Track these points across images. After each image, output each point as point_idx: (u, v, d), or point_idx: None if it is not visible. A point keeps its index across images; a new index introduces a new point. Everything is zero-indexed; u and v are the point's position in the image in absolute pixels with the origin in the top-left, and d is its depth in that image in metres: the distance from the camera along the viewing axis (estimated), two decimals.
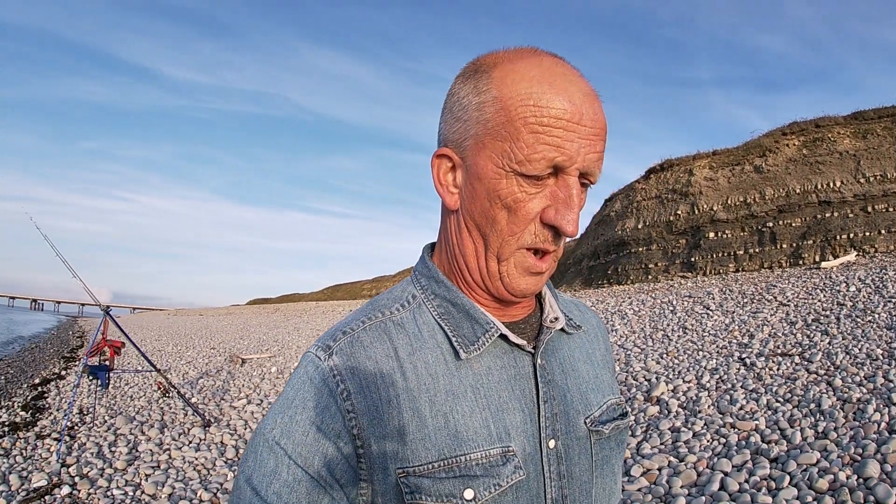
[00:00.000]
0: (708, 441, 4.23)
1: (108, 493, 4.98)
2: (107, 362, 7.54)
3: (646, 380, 6.27)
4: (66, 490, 5.05)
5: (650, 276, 20.48)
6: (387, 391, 0.72)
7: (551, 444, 0.77)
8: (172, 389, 8.50)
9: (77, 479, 5.34)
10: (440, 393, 0.73)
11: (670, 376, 6.23)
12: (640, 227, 22.46)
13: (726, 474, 3.59)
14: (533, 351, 0.79)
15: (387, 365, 0.73)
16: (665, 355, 7.34)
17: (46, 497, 4.94)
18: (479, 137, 0.73)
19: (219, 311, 52.39)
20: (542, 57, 0.74)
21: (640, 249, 21.96)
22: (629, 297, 13.84)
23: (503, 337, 0.77)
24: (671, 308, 10.87)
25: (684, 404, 5.21)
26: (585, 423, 0.81)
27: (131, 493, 4.97)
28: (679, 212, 20.82)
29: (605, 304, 13.08)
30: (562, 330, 0.86)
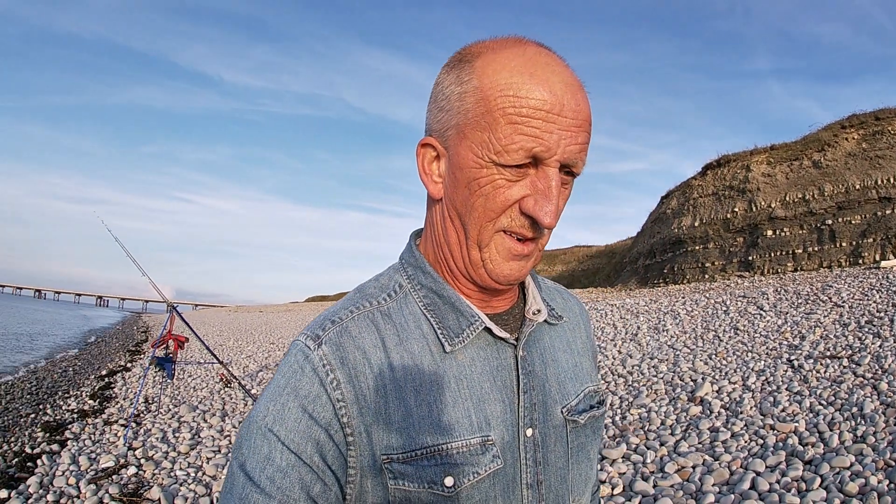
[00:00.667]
0: (746, 441, 4.25)
1: (172, 474, 5.30)
2: (171, 355, 7.95)
3: (692, 380, 6.25)
4: (132, 470, 5.41)
5: (707, 276, 20.01)
6: (374, 381, 0.74)
7: (528, 432, 0.80)
8: (234, 380, 8.91)
9: (143, 460, 5.70)
10: (425, 383, 0.75)
11: (716, 377, 6.20)
12: (696, 224, 21.96)
13: (758, 474, 3.62)
14: (515, 343, 0.82)
15: (374, 355, 0.75)
16: (714, 356, 7.27)
17: (114, 476, 5.30)
18: (460, 128, 0.74)
19: (278, 307, 53.51)
20: (526, 46, 0.74)
21: (697, 248, 21.48)
22: (683, 297, 13.62)
23: (487, 329, 0.79)
24: (724, 308, 10.68)
25: (727, 405, 5.21)
26: (562, 412, 0.84)
27: (193, 474, 5.27)
28: (736, 209, 20.30)
29: (658, 303, 12.90)
30: (544, 321, 0.88)
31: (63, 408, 9.52)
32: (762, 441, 4.19)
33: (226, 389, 9.40)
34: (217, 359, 8.03)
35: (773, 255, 18.37)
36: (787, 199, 18.92)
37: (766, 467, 3.73)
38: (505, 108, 0.70)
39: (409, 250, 0.86)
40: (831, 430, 4.14)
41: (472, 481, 0.74)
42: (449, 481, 0.73)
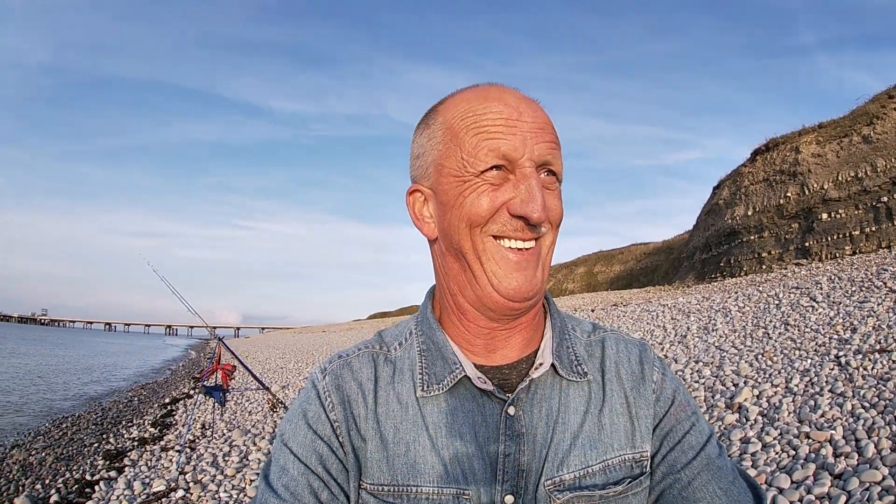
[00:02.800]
0: (776, 453, 4.08)
1: (216, 496, 5.50)
2: (221, 383, 8.19)
3: (733, 384, 6.06)
4: (180, 493, 5.64)
5: (764, 266, 19.31)
6: (363, 410, 0.81)
7: (508, 499, 0.76)
8: (280, 405, 9.17)
9: (191, 484, 5.93)
10: (406, 423, 0.79)
11: (759, 380, 5.99)
12: (749, 213, 21.24)
13: (781, 491, 3.46)
14: (506, 398, 0.79)
15: (367, 388, 0.83)
16: (761, 356, 7.02)
17: (163, 500, 5.54)
18: (436, 163, 0.79)
19: (341, 326, 54.29)
20: (479, 85, 0.81)
21: (752, 238, 20.77)
22: (736, 293, 13.18)
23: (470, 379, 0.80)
24: (776, 302, 10.29)
25: (765, 411, 5.02)
26: (545, 484, 0.78)
27: (236, 496, 5.45)
28: (789, 194, 19.53)
29: (710, 301, 12.53)
30: (561, 376, 0.83)
31: (125, 436, 10.00)
32: (794, 452, 4.01)
33: (275, 413, 9.63)
34: (262, 384, 8.28)
35: (829, 239, 17.55)
36: (840, 178, 18.05)
37: (792, 483, 3.56)
38: (468, 126, 0.76)
39: (423, 302, 0.91)
40: (869, 438, 3.92)
41: None
42: None
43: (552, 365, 0.82)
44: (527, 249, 0.76)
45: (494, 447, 0.77)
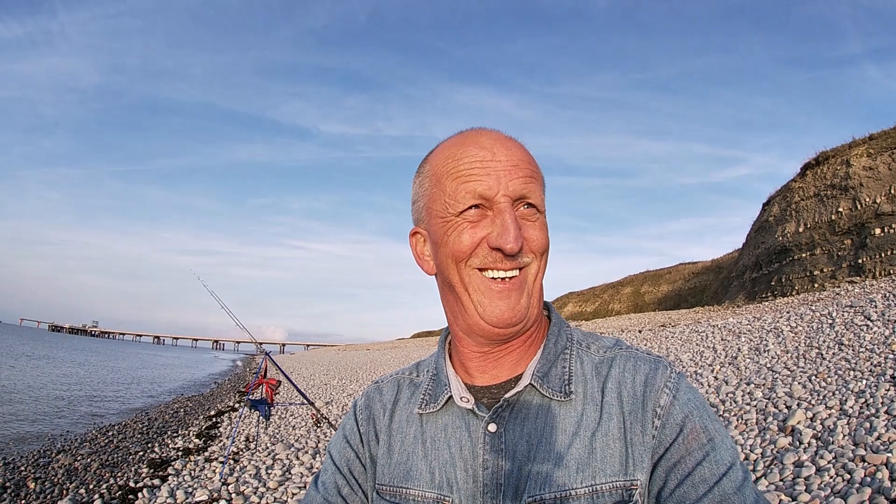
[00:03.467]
0: (831, 477, 3.92)
1: None
2: (266, 397, 8.30)
3: (786, 406, 5.87)
4: None
5: (816, 285, 18.65)
6: (380, 424, 0.97)
7: None
8: (324, 420, 9.24)
9: (234, 495, 6.01)
10: (409, 437, 0.92)
11: (812, 402, 5.78)
12: (800, 230, 20.60)
13: None
14: (485, 416, 0.85)
15: (387, 407, 0.98)
16: (814, 377, 6.79)
17: None
18: (427, 206, 0.88)
19: (385, 345, 54.53)
20: (463, 131, 0.90)
21: (804, 255, 20.10)
22: (788, 312, 12.78)
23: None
24: (830, 321, 9.94)
25: (819, 434, 4.85)
26: (526, 501, 0.79)
27: None
28: (840, 209, 18.88)
29: (761, 321, 12.17)
30: (547, 397, 0.84)
31: (170, 445, 10.21)
32: (849, 476, 3.85)
33: (318, 427, 9.70)
34: (307, 400, 8.34)
35: (883, 255, 16.85)
36: (893, 191, 17.36)
37: None
38: (448, 171, 0.84)
39: (443, 332, 1.02)
40: None
41: None
42: None
43: (532, 384, 0.85)
44: (510, 279, 0.82)
45: (477, 461, 0.83)
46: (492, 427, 0.83)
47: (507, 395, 0.84)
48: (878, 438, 4.36)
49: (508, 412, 0.84)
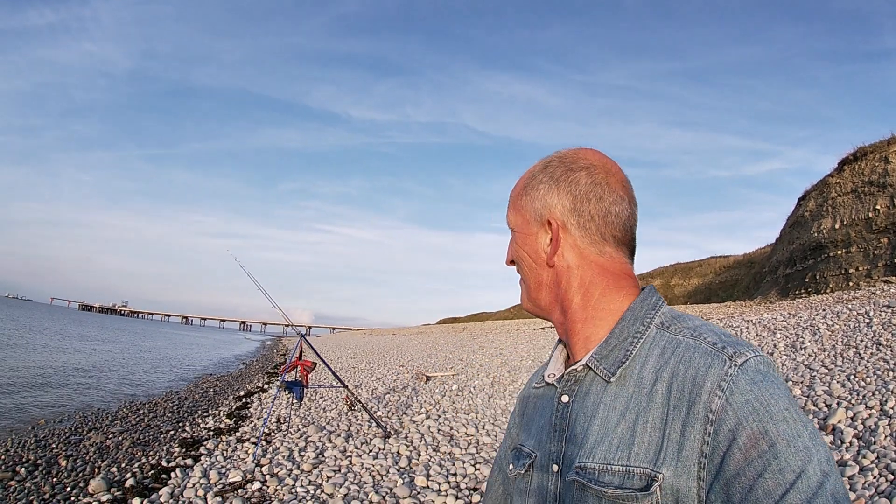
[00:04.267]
0: (874, 477, 3.88)
1: (293, 490, 5.60)
2: (301, 379, 8.33)
3: (826, 405, 5.79)
4: (256, 485, 5.76)
5: (851, 283, 18.23)
6: (524, 400, 1.16)
7: (554, 467, 0.95)
8: (357, 404, 9.27)
9: (268, 476, 6.04)
10: (530, 406, 1.11)
11: (853, 401, 5.70)
12: (836, 227, 20.10)
13: None
14: (557, 388, 1.01)
15: (527, 389, 1.16)
16: (853, 376, 6.67)
17: (239, 490, 5.66)
18: None
19: (410, 330, 54.37)
20: None
21: (839, 253, 19.62)
22: (824, 310, 12.53)
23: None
24: (867, 320, 9.74)
25: (860, 434, 4.78)
26: (576, 466, 0.88)
27: (312, 491, 5.55)
28: (878, 206, 18.37)
29: (797, 317, 11.94)
30: (601, 377, 0.91)
31: (201, 425, 10.29)
32: (893, 476, 3.80)
33: (351, 411, 9.70)
34: (342, 383, 8.35)
35: None
36: None
37: None
38: None
39: None
40: None
41: (512, 475, 1.06)
42: (510, 466, 1.08)
43: (588, 364, 0.94)
44: (520, 280, 1.07)
45: (552, 426, 0.98)
46: (564, 398, 0.97)
47: (565, 372, 0.99)
48: None
49: (577, 387, 0.96)
